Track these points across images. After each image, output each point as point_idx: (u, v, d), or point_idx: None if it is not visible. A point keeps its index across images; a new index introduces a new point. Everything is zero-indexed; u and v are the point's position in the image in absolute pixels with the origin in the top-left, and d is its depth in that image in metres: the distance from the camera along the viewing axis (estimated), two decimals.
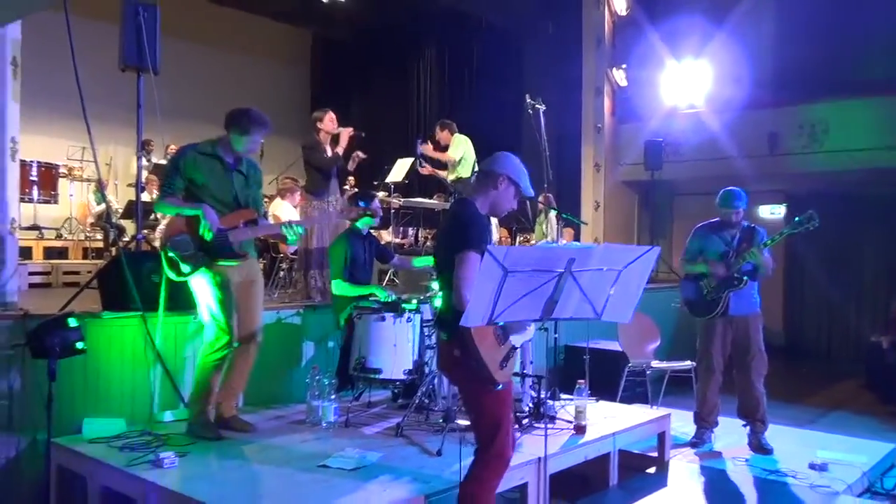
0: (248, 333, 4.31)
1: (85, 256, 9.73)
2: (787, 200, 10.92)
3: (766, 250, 5.08)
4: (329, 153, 6.24)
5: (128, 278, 4.52)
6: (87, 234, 10.27)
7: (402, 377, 4.73)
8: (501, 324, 2.76)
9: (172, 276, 4.16)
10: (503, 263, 2.40)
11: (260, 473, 3.71)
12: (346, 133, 6.28)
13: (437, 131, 7.67)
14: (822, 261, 10.55)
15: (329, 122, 6.29)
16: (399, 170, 7.83)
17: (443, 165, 7.72)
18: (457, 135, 7.58)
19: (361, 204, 5.24)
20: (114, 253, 7.58)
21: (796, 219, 5.03)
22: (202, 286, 4.15)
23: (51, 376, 3.80)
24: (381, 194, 7.67)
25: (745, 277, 5.13)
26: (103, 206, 10.00)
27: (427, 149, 7.41)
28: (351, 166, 6.59)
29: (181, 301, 4.47)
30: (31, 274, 8.01)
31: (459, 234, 3.06)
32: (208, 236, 4.04)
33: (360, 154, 6.56)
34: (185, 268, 4.10)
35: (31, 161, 9.69)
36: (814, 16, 9.52)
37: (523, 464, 3.87)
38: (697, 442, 5.41)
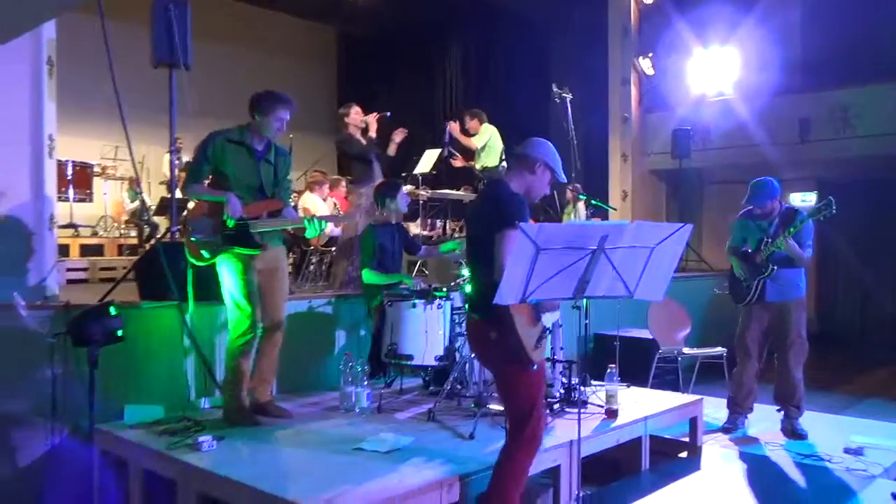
0: (271, 320, 4.32)
1: (120, 253, 9.91)
2: (819, 187, 10.75)
3: (790, 238, 5.03)
4: (363, 142, 6.32)
5: (164, 269, 4.60)
6: (122, 231, 10.46)
7: (434, 363, 4.74)
8: (534, 301, 2.77)
9: (193, 261, 4.22)
10: (535, 241, 2.41)
11: (296, 456, 3.76)
12: (373, 119, 6.38)
13: (466, 119, 7.69)
14: (854, 247, 10.42)
15: (355, 115, 6.38)
16: (427, 161, 7.85)
17: (468, 152, 7.74)
18: (485, 124, 7.61)
19: (388, 199, 5.28)
20: (149, 246, 7.71)
21: (814, 206, 5.00)
22: (224, 273, 4.19)
23: (92, 364, 3.87)
24: (408, 187, 7.70)
25: (772, 266, 5.09)
26: (137, 203, 10.18)
27: (454, 128, 7.43)
28: (393, 150, 6.58)
29: (214, 291, 4.53)
30: (68, 270, 8.17)
31: (500, 213, 3.06)
32: (230, 224, 4.06)
33: (400, 133, 6.57)
34: (204, 253, 4.14)
35: (67, 160, 9.87)
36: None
37: (556, 446, 3.88)
38: (730, 427, 5.38)
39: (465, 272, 4.91)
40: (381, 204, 5.36)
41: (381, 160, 6.50)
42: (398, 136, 6.45)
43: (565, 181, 3.40)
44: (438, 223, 9.00)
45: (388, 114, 6.68)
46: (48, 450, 4.12)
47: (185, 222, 4.32)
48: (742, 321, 5.39)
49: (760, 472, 4.58)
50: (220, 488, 3.38)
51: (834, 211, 4.88)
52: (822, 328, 10.68)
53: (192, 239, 4.15)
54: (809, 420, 5.35)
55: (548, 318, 3.03)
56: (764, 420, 5.43)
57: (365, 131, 6.36)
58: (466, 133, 7.62)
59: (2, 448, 4.05)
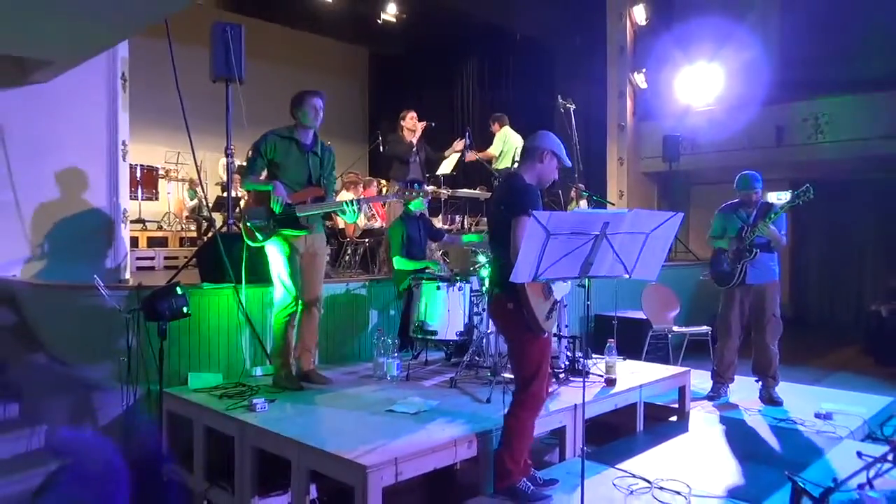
0: (309, 298, 4.35)
1: (181, 244, 9.99)
2: (792, 187, 10.62)
3: (772, 224, 5.01)
4: (410, 144, 6.49)
5: (222, 255, 4.67)
6: (183, 226, 10.56)
7: (455, 338, 4.79)
8: (545, 280, 2.79)
9: (249, 242, 4.28)
10: (546, 226, 2.43)
11: (336, 416, 3.80)
12: (420, 127, 6.55)
13: (490, 125, 7.73)
14: (824, 240, 10.37)
15: (410, 119, 6.52)
16: (448, 164, 7.85)
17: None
18: (503, 128, 7.62)
19: (416, 186, 5.30)
20: (208, 237, 7.79)
21: (794, 192, 4.96)
22: (274, 253, 4.25)
23: (162, 336, 3.95)
24: (431, 188, 7.72)
25: (755, 249, 5.07)
26: (195, 201, 10.28)
27: (471, 156, 7.48)
28: (414, 137, 6.66)
29: (265, 274, 4.59)
30: (137, 259, 8.28)
31: (515, 202, 3.09)
32: (277, 209, 4.11)
33: (422, 126, 6.74)
34: (259, 235, 4.20)
35: (135, 164, 9.97)
36: (814, 19, 9.29)
37: (562, 409, 3.91)
38: (714, 396, 5.37)
39: (482, 259, 4.93)
40: (406, 202, 5.38)
41: (421, 163, 6.60)
42: (458, 146, 6.81)
43: (570, 165, 3.40)
44: (457, 218, 9.01)
45: (433, 124, 6.83)
46: (123, 410, 4.20)
47: (243, 210, 4.38)
48: (724, 302, 5.36)
49: (740, 433, 4.57)
50: (271, 442, 3.44)
51: (812, 196, 4.83)
52: (796, 311, 10.60)
53: (248, 224, 4.21)
54: (784, 389, 5.33)
55: (559, 289, 3.04)
56: (744, 389, 5.41)
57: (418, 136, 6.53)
58: (483, 148, 7.69)
59: (85, 408, 4.14)
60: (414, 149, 6.54)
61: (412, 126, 6.52)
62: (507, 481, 3.26)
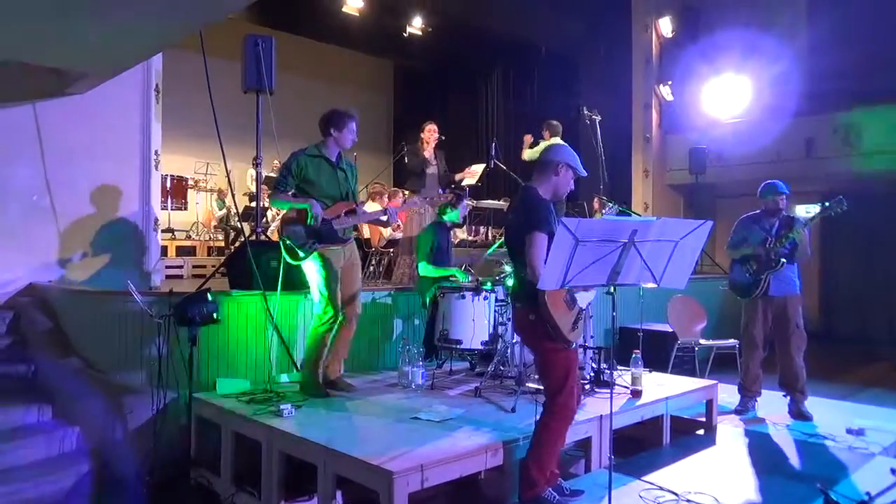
0: (351, 307, 4.45)
1: (209, 253, 10.15)
2: (822, 200, 10.50)
3: (805, 230, 4.98)
4: (424, 156, 6.52)
5: (251, 263, 4.74)
6: (211, 235, 10.73)
7: (480, 347, 4.79)
8: (571, 286, 2.78)
9: (290, 260, 4.33)
10: (575, 233, 2.43)
11: (362, 422, 3.83)
12: (433, 139, 6.57)
13: (542, 130, 7.73)
14: (854, 254, 10.18)
15: (428, 131, 6.56)
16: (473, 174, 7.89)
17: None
18: (553, 138, 7.58)
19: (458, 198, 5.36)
20: (237, 245, 7.90)
21: (826, 203, 4.90)
22: (312, 270, 4.32)
23: (192, 341, 3.99)
24: (469, 203, 7.76)
25: (781, 260, 5.02)
26: (223, 211, 10.45)
27: (527, 139, 7.48)
28: (428, 150, 6.67)
29: (294, 282, 4.65)
30: (167, 267, 8.41)
31: (527, 218, 3.11)
32: (315, 225, 4.21)
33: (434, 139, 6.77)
34: (301, 253, 4.26)
35: (166, 175, 10.16)
36: (842, 30, 9.19)
37: (587, 420, 3.88)
38: (742, 409, 5.30)
39: (507, 269, 4.94)
40: (443, 211, 5.41)
41: (439, 176, 6.62)
42: (469, 175, 6.88)
43: (586, 174, 3.40)
44: (482, 229, 9.03)
45: (443, 137, 6.85)
46: (153, 414, 4.26)
47: (280, 229, 4.46)
48: (746, 314, 5.30)
49: (769, 448, 4.50)
50: (298, 448, 3.47)
51: (845, 207, 4.78)
52: (827, 326, 10.42)
53: (289, 242, 4.27)
54: (814, 404, 5.23)
55: (582, 298, 3.04)
56: (772, 404, 5.32)
57: (436, 147, 6.58)
58: (535, 144, 7.71)
59: (118, 410, 4.21)
60: (428, 160, 6.53)
61: (427, 137, 6.55)
62: (532, 491, 3.24)
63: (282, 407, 3.84)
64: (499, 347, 4.78)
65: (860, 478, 3.77)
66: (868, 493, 2.92)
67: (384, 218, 4.50)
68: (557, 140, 7.60)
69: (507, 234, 3.47)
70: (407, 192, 6.42)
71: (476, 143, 12.53)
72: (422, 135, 6.59)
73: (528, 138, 7.38)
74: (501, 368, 4.76)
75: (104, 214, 5.56)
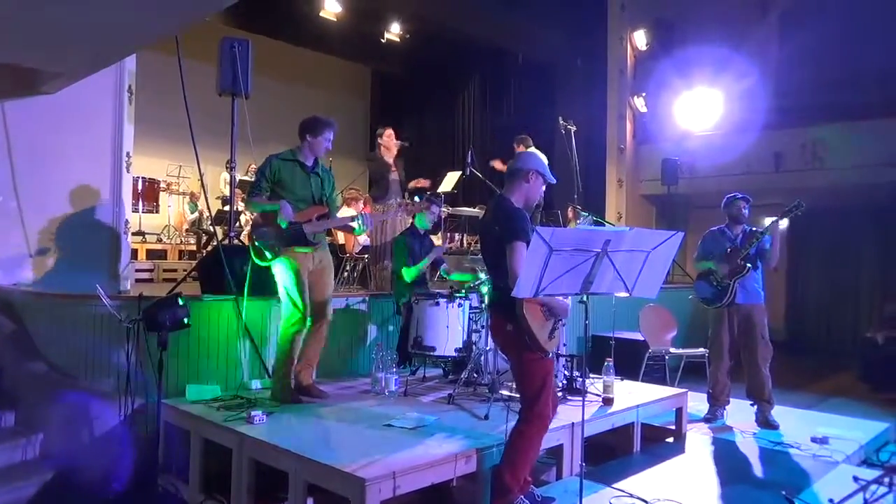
0: (320, 312, 4.42)
1: (180, 257, 10.02)
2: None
3: (764, 237, 5.12)
4: (387, 162, 6.44)
5: (224, 267, 4.69)
6: (182, 239, 10.60)
7: (454, 354, 4.80)
8: (545, 296, 2.81)
9: (258, 261, 4.31)
10: (549, 243, 2.46)
11: (335, 429, 3.81)
12: (395, 145, 6.52)
13: (515, 145, 7.69)
14: (820, 266, 10.44)
15: (387, 137, 6.50)
16: (448, 181, 7.92)
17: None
18: (528, 149, 7.60)
19: (418, 198, 5.37)
20: (210, 249, 7.81)
21: (785, 208, 5.01)
22: (281, 271, 4.29)
23: (162, 346, 3.94)
24: (439, 211, 7.76)
25: (748, 265, 5.12)
26: (195, 214, 10.33)
27: (497, 164, 7.52)
28: (389, 156, 6.61)
29: (267, 287, 4.61)
30: (137, 270, 8.27)
31: (506, 227, 3.13)
32: (284, 224, 4.19)
33: (421, 183, 6.84)
34: (268, 254, 4.24)
35: (137, 177, 10.02)
36: (813, 47, 9.41)
37: (559, 427, 3.91)
38: (711, 418, 5.38)
39: (482, 276, 4.96)
40: (414, 218, 5.44)
41: (402, 182, 6.59)
42: (421, 183, 6.76)
43: (555, 181, 3.43)
44: (457, 237, 9.05)
45: (408, 143, 6.83)
46: (120, 420, 4.19)
47: (250, 230, 4.43)
48: (713, 323, 5.40)
49: (737, 455, 4.58)
50: (269, 455, 3.44)
51: (804, 208, 4.93)
52: (792, 337, 10.64)
53: (257, 243, 4.25)
54: (780, 413, 5.34)
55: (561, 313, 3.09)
56: (740, 412, 5.42)
57: (397, 153, 6.50)
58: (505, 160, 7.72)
59: (84, 417, 4.13)
60: (390, 166, 6.49)
61: (387, 144, 6.50)
62: (504, 498, 3.26)
63: (253, 413, 3.80)
64: (472, 355, 4.80)
65: (824, 485, 3.85)
66: (831, 500, 2.98)
67: (354, 224, 4.44)
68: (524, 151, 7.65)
69: (484, 245, 3.49)
70: (379, 207, 6.38)
71: (452, 150, 12.58)
72: (380, 141, 6.52)
73: (499, 164, 7.39)
74: (475, 376, 4.77)
75: (73, 216, 5.46)
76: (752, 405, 5.32)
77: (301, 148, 4.35)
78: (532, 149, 7.56)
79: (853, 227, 10.00)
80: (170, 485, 4.05)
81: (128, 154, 5.90)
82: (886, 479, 3.26)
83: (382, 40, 11.91)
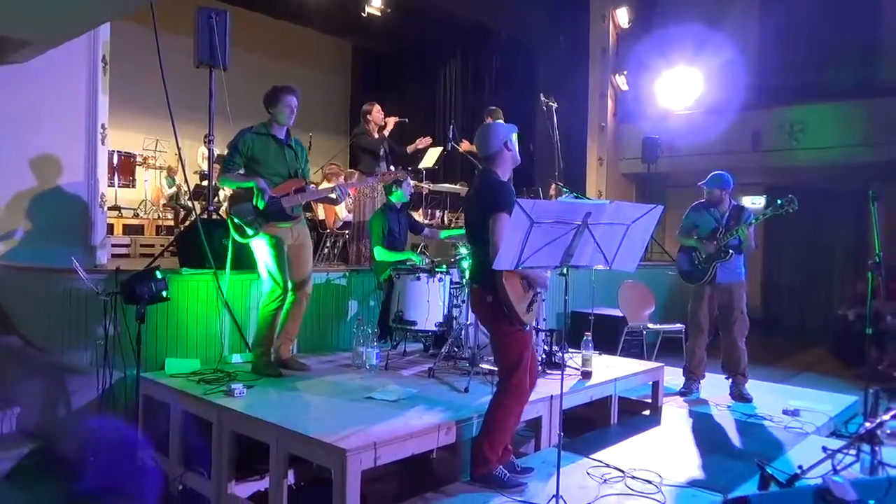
0: (300, 287, 4.41)
1: (157, 232, 9.90)
2: (767, 192, 10.91)
3: (750, 228, 5.14)
4: (376, 137, 6.40)
5: (203, 241, 4.65)
6: (160, 214, 10.46)
7: (434, 328, 4.82)
8: (526, 267, 2.82)
9: (238, 238, 4.28)
10: (530, 215, 2.47)
11: (315, 402, 3.82)
12: (392, 121, 6.46)
13: (484, 118, 7.67)
14: (795, 245, 10.62)
15: (377, 113, 6.45)
16: (430, 157, 7.89)
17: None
18: (497, 122, 7.53)
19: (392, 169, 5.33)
20: (188, 223, 7.72)
21: (778, 201, 5.03)
22: (261, 247, 4.27)
23: (140, 320, 3.90)
24: (413, 182, 7.74)
25: (730, 251, 5.19)
26: (173, 189, 10.19)
27: (465, 145, 7.50)
28: (411, 149, 6.70)
29: (246, 262, 4.58)
30: (113, 246, 8.16)
31: (491, 200, 3.14)
32: (261, 205, 4.14)
33: (425, 141, 6.80)
34: (249, 231, 4.21)
35: (113, 150, 9.85)
36: (792, 27, 9.50)
37: (538, 400, 3.95)
38: (686, 391, 5.48)
39: (462, 251, 4.97)
40: (389, 192, 5.41)
41: (393, 156, 6.56)
42: (423, 143, 6.60)
43: (516, 129, 3.40)
44: (437, 213, 9.04)
45: (406, 120, 6.80)
46: (100, 394, 4.17)
47: (228, 206, 4.38)
48: (693, 300, 5.47)
49: (711, 427, 4.68)
50: (250, 427, 3.44)
51: (796, 207, 4.92)
52: (768, 314, 10.85)
53: (236, 220, 4.21)
54: (753, 387, 5.46)
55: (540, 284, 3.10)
56: (715, 386, 5.52)
57: (381, 129, 6.43)
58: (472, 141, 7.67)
59: (61, 391, 4.10)
60: (385, 140, 6.48)
61: (378, 120, 6.46)
62: (484, 468, 3.30)
63: (233, 386, 3.79)
64: (453, 329, 4.82)
65: (794, 455, 3.95)
66: (800, 467, 3.07)
67: (333, 195, 4.42)
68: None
69: (468, 217, 3.49)
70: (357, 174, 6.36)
71: (434, 126, 12.48)
72: (369, 116, 6.46)
73: (466, 145, 7.38)
74: (455, 350, 4.80)
75: (47, 189, 5.35)
76: (726, 379, 5.42)
77: (270, 121, 4.31)
78: (500, 121, 7.55)
79: (829, 207, 10.15)
80: (150, 458, 4.04)
81: (103, 126, 5.77)
82: (853, 449, 3.35)
83: (363, 14, 11.75)
